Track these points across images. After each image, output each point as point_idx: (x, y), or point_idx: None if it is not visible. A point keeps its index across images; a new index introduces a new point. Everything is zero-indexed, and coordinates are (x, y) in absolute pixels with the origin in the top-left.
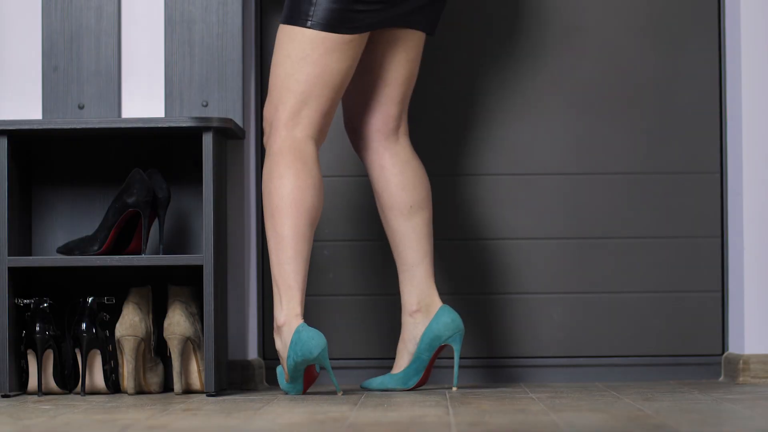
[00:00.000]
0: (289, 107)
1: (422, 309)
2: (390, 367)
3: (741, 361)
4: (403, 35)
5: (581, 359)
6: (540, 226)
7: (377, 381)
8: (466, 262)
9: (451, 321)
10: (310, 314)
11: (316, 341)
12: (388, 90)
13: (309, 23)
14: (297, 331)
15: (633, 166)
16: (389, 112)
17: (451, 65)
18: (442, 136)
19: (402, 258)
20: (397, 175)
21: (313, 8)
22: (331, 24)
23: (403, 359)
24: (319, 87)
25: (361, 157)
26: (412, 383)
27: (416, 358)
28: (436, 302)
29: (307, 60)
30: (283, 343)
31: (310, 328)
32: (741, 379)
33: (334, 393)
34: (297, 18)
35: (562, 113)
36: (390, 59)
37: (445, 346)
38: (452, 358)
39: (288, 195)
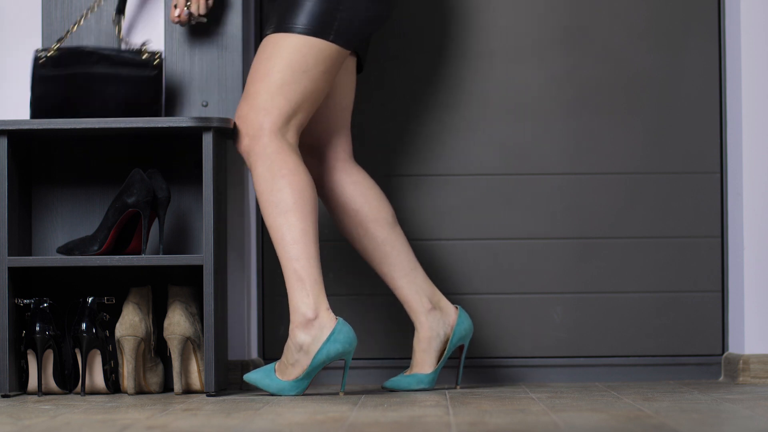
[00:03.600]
0: (285, 113)
1: (436, 307)
2: (392, 367)
3: (741, 361)
4: (351, 62)
5: (581, 359)
6: (540, 226)
7: (405, 381)
8: (466, 262)
9: (469, 323)
10: None
11: (352, 335)
12: (345, 114)
13: (331, 37)
14: (341, 324)
15: (633, 166)
16: (348, 135)
17: (450, 66)
18: (443, 137)
19: (397, 265)
20: (371, 188)
21: (337, 23)
22: (353, 41)
23: (430, 357)
24: (309, 103)
25: (326, 179)
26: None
27: (444, 359)
28: (444, 300)
29: (308, 74)
30: (312, 336)
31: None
32: (741, 379)
33: (333, 393)
34: (316, 30)
35: (562, 113)
36: (345, 85)
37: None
38: (454, 358)
39: (301, 192)
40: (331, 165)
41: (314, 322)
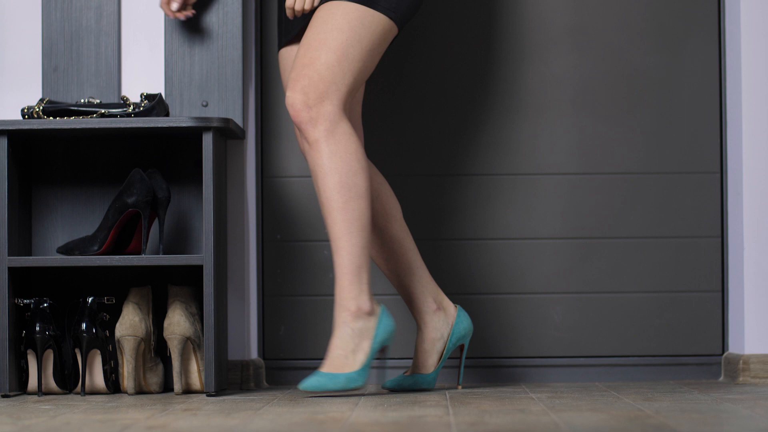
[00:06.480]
0: (351, 91)
1: (440, 307)
2: (392, 367)
3: (741, 361)
4: None
5: (581, 359)
6: (540, 226)
7: (405, 382)
8: (466, 262)
9: (469, 322)
10: (312, 314)
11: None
12: (359, 108)
13: (391, 14)
14: (383, 308)
15: (633, 166)
16: (361, 129)
17: (451, 66)
18: (442, 137)
19: (405, 262)
20: (382, 184)
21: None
22: (406, 19)
23: (432, 358)
24: (361, 83)
25: None
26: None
27: (443, 359)
28: (446, 300)
29: (372, 53)
30: (369, 326)
31: None
32: (741, 379)
33: (333, 394)
34: (378, 3)
35: (562, 113)
36: None
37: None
38: (455, 358)
39: (369, 180)
40: None
41: (371, 313)
